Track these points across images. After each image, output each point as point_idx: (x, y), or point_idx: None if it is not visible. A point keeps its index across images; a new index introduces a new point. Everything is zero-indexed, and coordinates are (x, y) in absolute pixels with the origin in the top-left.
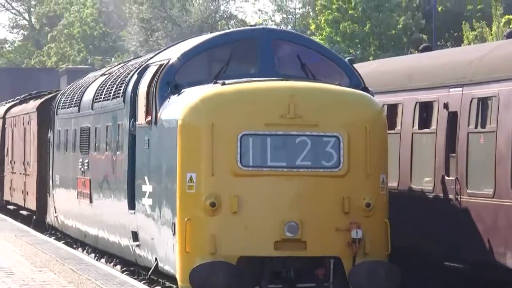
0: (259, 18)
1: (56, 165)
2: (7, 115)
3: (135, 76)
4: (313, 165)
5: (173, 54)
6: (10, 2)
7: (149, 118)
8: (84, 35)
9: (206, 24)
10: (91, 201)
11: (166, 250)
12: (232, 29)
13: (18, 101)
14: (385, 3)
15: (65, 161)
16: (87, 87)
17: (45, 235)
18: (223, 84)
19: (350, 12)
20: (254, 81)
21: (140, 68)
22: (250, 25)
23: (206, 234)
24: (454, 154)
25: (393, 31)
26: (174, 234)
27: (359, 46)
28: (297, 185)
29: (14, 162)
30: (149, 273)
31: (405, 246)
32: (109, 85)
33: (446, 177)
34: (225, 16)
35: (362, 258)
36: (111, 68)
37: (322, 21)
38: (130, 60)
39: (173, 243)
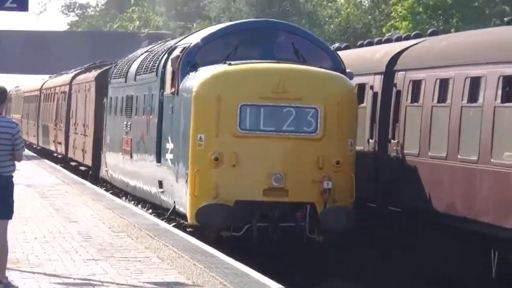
0: None
1: (108, 127)
2: (73, 82)
3: (165, 55)
4: (296, 130)
5: (194, 39)
6: None
7: (173, 89)
8: (166, 0)
9: None
10: (131, 157)
11: (181, 195)
12: (242, 20)
13: (83, 69)
14: None
15: (114, 124)
16: (133, 61)
17: (98, 186)
18: (229, 64)
19: None
20: (253, 62)
21: (169, 49)
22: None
23: (210, 182)
24: None
25: (476, 3)
26: (186, 182)
27: (441, 17)
28: (282, 145)
29: (77, 124)
30: (168, 213)
31: (487, 221)
32: (148, 61)
33: None
34: None
35: (332, 204)
36: (154, 47)
37: None
38: (167, 41)
39: (185, 189)
